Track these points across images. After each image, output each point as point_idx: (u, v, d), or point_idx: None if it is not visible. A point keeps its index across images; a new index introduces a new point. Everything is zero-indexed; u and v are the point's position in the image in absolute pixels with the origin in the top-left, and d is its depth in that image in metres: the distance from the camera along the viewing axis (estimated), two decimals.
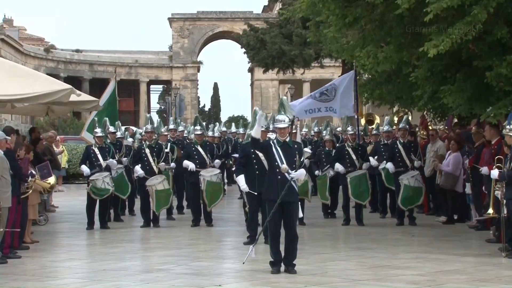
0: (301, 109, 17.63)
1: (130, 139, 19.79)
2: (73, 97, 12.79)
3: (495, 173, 11.00)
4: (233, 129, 25.11)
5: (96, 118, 16.75)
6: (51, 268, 10.50)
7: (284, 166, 9.58)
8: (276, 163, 9.67)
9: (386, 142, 16.28)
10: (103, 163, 14.98)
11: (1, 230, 10.56)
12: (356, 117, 17.62)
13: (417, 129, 18.12)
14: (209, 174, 14.80)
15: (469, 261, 10.48)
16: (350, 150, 15.23)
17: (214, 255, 11.53)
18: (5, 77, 12.20)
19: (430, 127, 18.52)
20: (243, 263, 9.95)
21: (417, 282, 8.98)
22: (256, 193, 12.08)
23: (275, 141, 9.84)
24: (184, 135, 20.10)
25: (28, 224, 12.53)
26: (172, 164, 16.11)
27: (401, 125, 15.94)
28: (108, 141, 16.11)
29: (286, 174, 9.59)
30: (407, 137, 15.44)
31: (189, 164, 15.09)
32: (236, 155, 16.50)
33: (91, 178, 14.84)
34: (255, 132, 9.87)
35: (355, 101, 17.39)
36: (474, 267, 10.01)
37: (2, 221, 10.54)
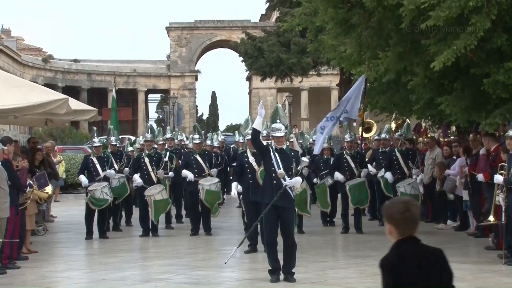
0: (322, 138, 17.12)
1: (130, 148, 19.76)
2: (72, 106, 12.81)
3: (499, 178, 10.93)
4: (236, 137, 25.02)
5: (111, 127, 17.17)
6: (50, 278, 10.49)
7: (281, 171, 9.61)
8: (273, 168, 9.71)
9: (384, 149, 16.28)
10: (101, 174, 14.97)
11: (0, 240, 10.55)
12: (355, 124, 17.55)
13: (414, 137, 18.11)
14: (208, 183, 14.80)
15: (468, 268, 10.46)
16: (348, 158, 15.18)
17: (213, 264, 11.49)
18: (1, 88, 12.21)
19: (429, 135, 18.53)
20: (225, 263, 10.01)
21: None
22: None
23: (273, 146, 9.89)
24: (183, 143, 20.11)
25: (27, 235, 12.52)
26: (170, 173, 16.11)
27: (397, 134, 15.95)
28: (109, 150, 16.12)
29: (282, 180, 9.63)
30: (404, 145, 15.44)
31: (187, 174, 15.08)
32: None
33: (89, 188, 14.83)
34: (256, 124, 9.85)
35: (361, 104, 17.18)
36: (473, 274, 10.00)
37: (1, 231, 10.52)
